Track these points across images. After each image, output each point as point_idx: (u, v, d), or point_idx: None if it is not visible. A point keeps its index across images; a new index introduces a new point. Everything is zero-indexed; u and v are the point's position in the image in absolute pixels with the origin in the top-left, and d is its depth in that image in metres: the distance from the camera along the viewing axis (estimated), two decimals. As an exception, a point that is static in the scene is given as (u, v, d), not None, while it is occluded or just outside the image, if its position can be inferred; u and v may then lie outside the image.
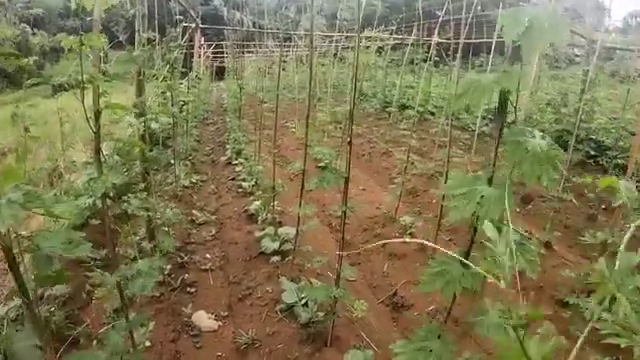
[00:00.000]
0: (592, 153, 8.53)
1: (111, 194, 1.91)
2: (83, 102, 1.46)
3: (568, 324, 3.23)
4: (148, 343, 3.13)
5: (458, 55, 7.10)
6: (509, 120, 1.44)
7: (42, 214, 0.98)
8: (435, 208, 5.51)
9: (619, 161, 7.58)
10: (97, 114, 1.58)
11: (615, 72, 12.99)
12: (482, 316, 1.46)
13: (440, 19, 7.31)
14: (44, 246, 1.12)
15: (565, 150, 5.95)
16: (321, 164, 7.08)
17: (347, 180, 2.74)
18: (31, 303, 1.20)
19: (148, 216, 3.37)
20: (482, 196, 1.26)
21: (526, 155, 1.18)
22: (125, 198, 2.78)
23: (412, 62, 11.79)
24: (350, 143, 2.72)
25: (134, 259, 2.42)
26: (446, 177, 4.26)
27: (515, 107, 1.27)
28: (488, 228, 0.91)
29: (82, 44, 1.41)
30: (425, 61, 9.89)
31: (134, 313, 2.61)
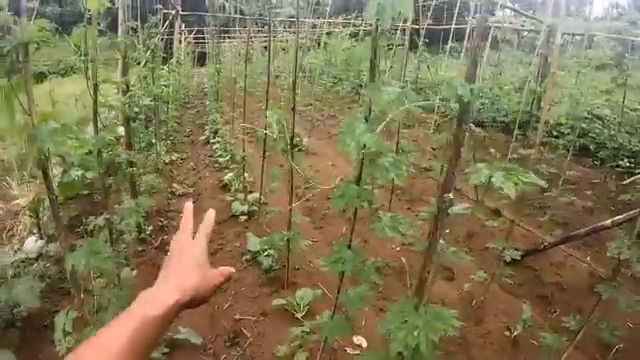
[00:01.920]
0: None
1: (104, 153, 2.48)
2: (87, 78, 2.04)
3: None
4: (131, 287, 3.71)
5: (420, 40, 7.69)
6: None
7: (72, 139, 1.54)
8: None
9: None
10: (95, 86, 2.15)
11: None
12: (378, 222, 2.08)
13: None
14: (68, 160, 1.69)
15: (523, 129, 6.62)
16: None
17: (292, 140, 3.31)
18: (55, 202, 1.76)
19: (132, 177, 3.94)
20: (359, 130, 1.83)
21: (382, 97, 1.75)
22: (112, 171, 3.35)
23: (388, 47, 12.27)
24: (294, 109, 3.30)
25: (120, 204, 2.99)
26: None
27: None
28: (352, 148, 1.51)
29: (86, 37, 1.98)
30: (398, 46, 10.34)
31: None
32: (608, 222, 3.73)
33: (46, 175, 1.65)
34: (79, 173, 4.21)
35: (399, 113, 1.68)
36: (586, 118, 8.71)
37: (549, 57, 6.80)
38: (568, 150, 5.84)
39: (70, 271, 1.91)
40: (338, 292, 2.49)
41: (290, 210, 3.57)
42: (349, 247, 2.27)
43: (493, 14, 10.41)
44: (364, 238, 4.86)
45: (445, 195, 1.42)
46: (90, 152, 2.17)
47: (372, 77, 1.88)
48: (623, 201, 5.91)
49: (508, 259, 3.65)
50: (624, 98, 7.67)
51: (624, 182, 7.27)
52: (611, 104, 9.15)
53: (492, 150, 5.87)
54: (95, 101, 2.17)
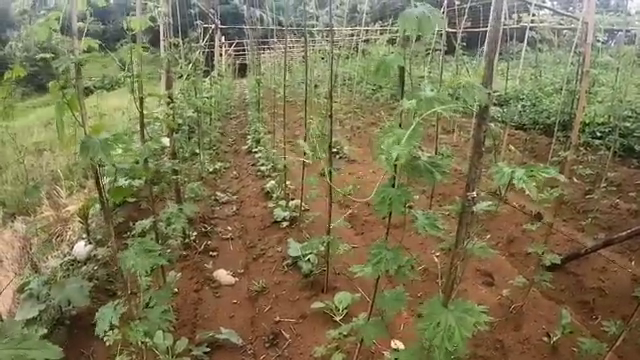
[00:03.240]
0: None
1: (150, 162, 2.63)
2: (134, 93, 2.19)
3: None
4: (175, 290, 3.85)
5: (457, 44, 7.62)
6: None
7: (123, 148, 1.67)
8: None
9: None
10: (141, 100, 2.31)
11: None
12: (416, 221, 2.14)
13: (445, 9, 7.67)
14: (119, 167, 1.84)
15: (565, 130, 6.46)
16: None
17: (330, 147, 3.40)
18: (107, 205, 1.91)
19: (177, 184, 4.11)
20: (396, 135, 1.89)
21: (421, 100, 1.82)
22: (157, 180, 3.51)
23: (426, 52, 12.19)
24: (331, 116, 3.39)
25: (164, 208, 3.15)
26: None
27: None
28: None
29: (131, 54, 2.14)
30: (436, 51, 10.24)
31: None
32: None
33: (98, 181, 1.80)
34: (127, 182, 4.43)
35: (429, 115, 1.73)
36: (629, 117, 8.40)
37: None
38: (610, 150, 5.70)
39: (119, 269, 2.05)
40: (375, 294, 2.54)
41: (329, 215, 3.65)
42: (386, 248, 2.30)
43: (528, 14, 10.18)
44: (403, 245, 4.86)
45: (469, 193, 1.47)
46: (137, 162, 2.31)
47: (401, 85, 1.94)
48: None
49: (548, 263, 3.60)
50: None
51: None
52: None
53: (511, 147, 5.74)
54: (141, 113, 2.32)
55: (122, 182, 4.30)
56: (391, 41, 16.46)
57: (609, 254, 4.54)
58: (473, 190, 1.46)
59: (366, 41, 14.99)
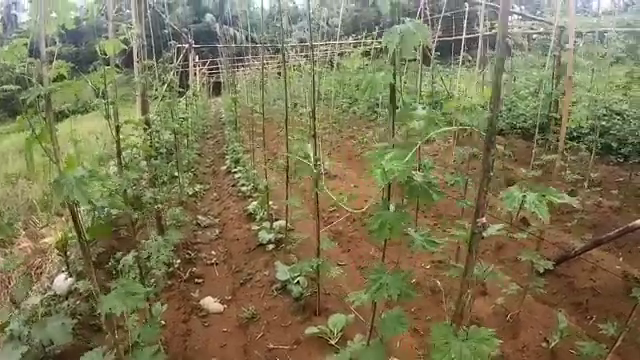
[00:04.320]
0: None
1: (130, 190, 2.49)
2: (108, 120, 2.06)
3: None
4: (162, 322, 3.68)
5: (432, 53, 7.63)
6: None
7: (99, 183, 1.54)
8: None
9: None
10: (117, 128, 2.17)
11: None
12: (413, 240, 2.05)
13: (420, 18, 7.72)
14: (98, 204, 1.70)
15: (544, 132, 6.48)
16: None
17: (316, 166, 3.30)
18: (86, 245, 1.77)
19: (157, 212, 3.96)
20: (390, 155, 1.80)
21: (414, 116, 1.74)
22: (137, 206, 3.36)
23: (401, 62, 12.19)
24: (315, 136, 3.29)
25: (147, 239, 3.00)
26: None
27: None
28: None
29: (104, 78, 2.01)
30: (411, 61, 10.23)
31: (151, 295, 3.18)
32: (638, 222, 3.64)
33: (75, 220, 1.66)
34: (105, 211, 4.25)
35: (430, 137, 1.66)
36: (605, 115, 8.53)
37: (562, 58, 6.71)
38: (591, 151, 5.75)
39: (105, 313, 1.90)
40: (373, 318, 2.44)
41: (317, 237, 3.54)
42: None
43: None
44: (393, 259, 4.77)
45: (478, 220, 1.37)
46: (116, 191, 2.18)
47: (393, 104, 1.86)
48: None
49: (541, 270, 3.56)
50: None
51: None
52: (629, 98, 8.97)
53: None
54: (118, 142, 2.19)
55: (101, 212, 4.13)
56: (365, 54, 16.52)
57: (597, 253, 4.54)
58: (482, 216, 1.37)
59: (340, 54, 15.03)
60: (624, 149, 8.39)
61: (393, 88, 1.83)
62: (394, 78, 1.77)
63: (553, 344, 3.28)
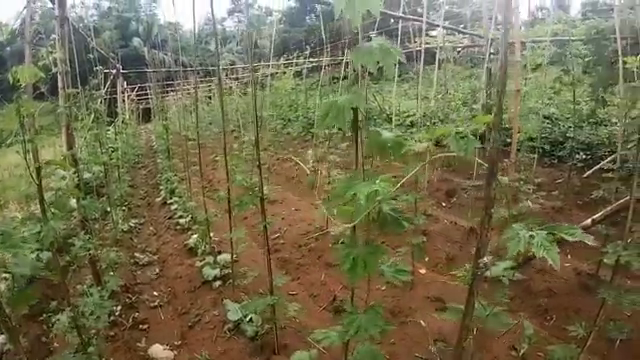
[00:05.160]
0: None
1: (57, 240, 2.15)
2: (26, 159, 1.73)
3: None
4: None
5: (359, 73, 7.58)
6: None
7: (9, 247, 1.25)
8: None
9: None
10: (38, 169, 1.85)
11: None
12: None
13: (347, 38, 7.69)
14: (16, 270, 1.38)
15: (482, 143, 6.57)
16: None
17: (262, 199, 3.07)
18: (10, 324, 1.44)
19: (91, 258, 3.56)
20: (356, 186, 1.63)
21: (381, 141, 1.57)
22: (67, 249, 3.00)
23: (332, 82, 12.17)
24: (259, 166, 3.07)
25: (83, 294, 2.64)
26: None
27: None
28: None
29: (19, 113, 1.69)
30: (344, 79, 10.23)
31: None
32: (588, 221, 3.83)
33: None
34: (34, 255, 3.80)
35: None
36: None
37: (492, 69, 6.96)
38: (532, 155, 5.91)
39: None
40: (345, 355, 2.25)
41: (269, 272, 3.28)
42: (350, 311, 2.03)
43: (427, 34, 10.54)
44: (344, 284, 4.58)
45: (480, 260, 1.20)
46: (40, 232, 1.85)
47: (355, 129, 1.67)
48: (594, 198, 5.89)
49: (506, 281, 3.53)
50: (574, 94, 7.81)
51: (585, 175, 7.45)
52: (555, 102, 9.65)
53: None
54: (40, 186, 1.86)
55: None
56: (297, 74, 16.51)
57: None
58: (484, 255, 1.20)
59: (271, 75, 14.90)
60: (560, 152, 8.97)
61: (356, 112, 1.64)
62: (360, 99, 1.59)
63: (522, 351, 3.27)
